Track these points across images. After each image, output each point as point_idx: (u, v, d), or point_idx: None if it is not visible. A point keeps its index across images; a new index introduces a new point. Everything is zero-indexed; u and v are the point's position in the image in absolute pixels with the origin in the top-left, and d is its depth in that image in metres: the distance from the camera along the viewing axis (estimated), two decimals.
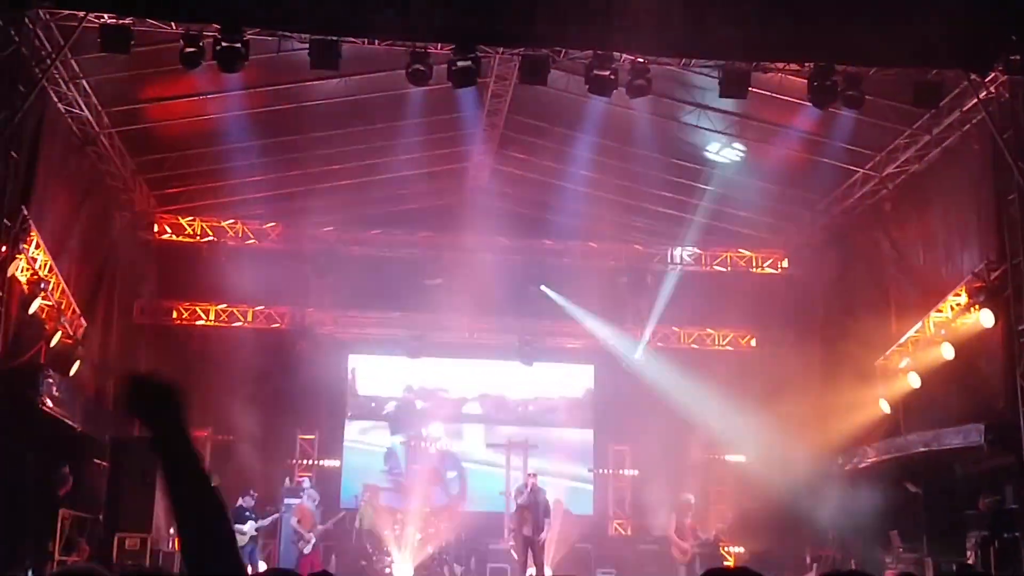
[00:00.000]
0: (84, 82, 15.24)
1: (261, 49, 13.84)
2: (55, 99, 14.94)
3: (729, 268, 21.11)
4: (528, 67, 14.18)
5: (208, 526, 2.45)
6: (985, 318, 14.65)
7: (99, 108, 15.97)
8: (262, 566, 18.16)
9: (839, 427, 17.77)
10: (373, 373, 22.04)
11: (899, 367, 16.98)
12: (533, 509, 16.58)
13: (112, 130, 16.67)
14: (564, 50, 14.03)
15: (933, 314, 16.04)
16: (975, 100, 14.35)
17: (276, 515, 18.23)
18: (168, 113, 16.87)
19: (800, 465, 17.95)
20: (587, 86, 14.17)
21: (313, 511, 17.84)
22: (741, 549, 19.26)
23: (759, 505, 19.34)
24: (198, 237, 20.07)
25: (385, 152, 18.35)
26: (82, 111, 15.60)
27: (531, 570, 16.56)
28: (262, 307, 20.60)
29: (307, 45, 13.49)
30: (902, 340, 16.86)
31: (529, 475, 17.37)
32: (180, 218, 20.02)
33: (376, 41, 13.86)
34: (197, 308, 20.43)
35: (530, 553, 16.57)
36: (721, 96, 14.47)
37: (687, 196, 19.54)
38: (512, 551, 18.89)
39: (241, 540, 17.16)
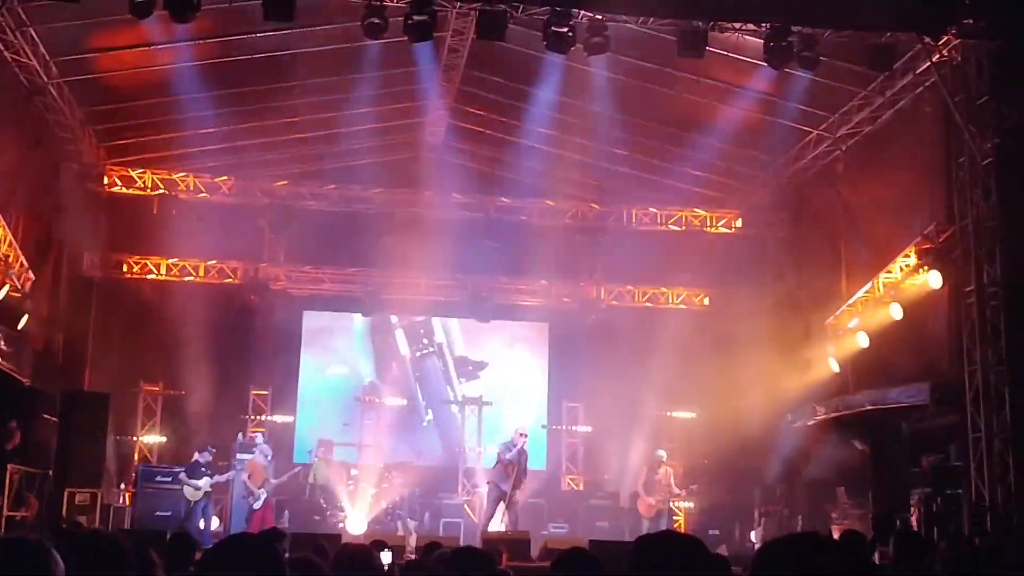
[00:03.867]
0: (32, 30, 14.93)
1: None
2: (2, 47, 14.63)
3: (684, 227, 21.19)
4: (485, 22, 14.06)
5: None
6: (933, 279, 14.87)
7: (47, 57, 15.66)
8: (215, 521, 18.16)
9: (789, 385, 18.01)
10: (330, 327, 22.02)
11: (848, 326, 17.20)
12: (517, 468, 16.76)
13: (61, 80, 16.36)
14: (522, 5, 13.92)
15: (882, 275, 16.24)
16: (928, 63, 14.47)
17: (231, 472, 18.20)
18: (118, 63, 16.57)
19: (750, 422, 18.19)
20: (544, 43, 14.09)
21: (265, 466, 17.80)
22: (691, 504, 19.52)
23: (709, 461, 19.59)
24: (149, 190, 19.81)
25: (340, 106, 18.18)
26: (30, 60, 15.30)
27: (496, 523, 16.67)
28: (214, 261, 20.43)
29: None
30: (852, 300, 17.07)
31: (521, 434, 17.31)
32: (130, 170, 19.74)
33: None
34: (148, 262, 20.21)
35: (501, 508, 16.67)
36: (679, 55, 14.43)
37: (643, 155, 19.56)
38: (467, 505, 19.08)
39: (195, 495, 17.13)
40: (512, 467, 16.67)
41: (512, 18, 14.09)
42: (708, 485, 18.98)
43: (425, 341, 22.07)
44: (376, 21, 13.65)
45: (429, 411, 21.79)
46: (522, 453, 16.77)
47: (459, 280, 21.07)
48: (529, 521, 17.63)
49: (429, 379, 21.98)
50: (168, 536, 7.80)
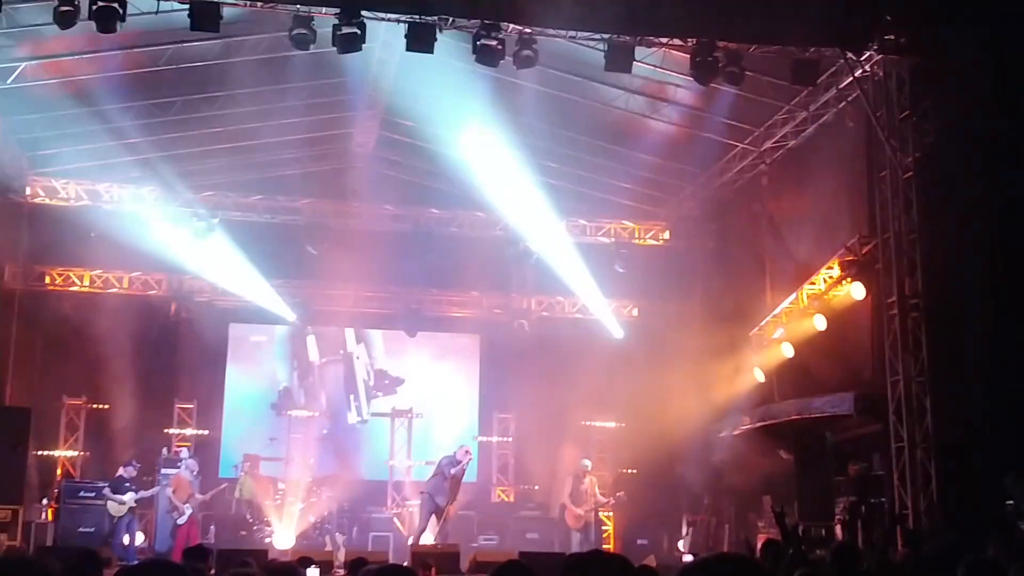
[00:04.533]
0: None
1: (139, 9, 13.40)
2: None
3: (613, 239, 21.34)
4: (414, 35, 14.04)
5: None
6: (856, 291, 15.13)
7: None
8: (140, 537, 17.86)
9: (715, 395, 18.17)
10: (257, 340, 21.77)
11: (773, 337, 17.43)
12: (454, 483, 16.84)
13: None
14: (451, 18, 13.92)
15: (806, 286, 16.48)
16: (851, 78, 14.76)
17: (156, 487, 17.93)
18: (42, 72, 16.25)
19: (677, 432, 18.33)
20: (474, 56, 14.10)
21: (191, 481, 17.56)
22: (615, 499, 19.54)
23: (637, 470, 19.71)
24: (72, 200, 19.47)
25: (268, 116, 18.01)
26: None
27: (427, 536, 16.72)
28: (139, 273, 20.14)
29: (187, 6, 13.13)
30: (776, 311, 17.31)
31: (466, 451, 17.41)
32: (54, 180, 19.38)
33: (259, 3, 13.56)
34: (71, 273, 19.87)
35: (434, 521, 16.74)
36: (607, 70, 14.53)
37: (572, 167, 19.67)
38: (396, 519, 18.98)
39: (119, 511, 16.85)
40: (451, 482, 16.81)
41: (441, 31, 14.10)
42: (636, 495, 19.07)
43: (341, 352, 21.90)
44: (304, 32, 13.57)
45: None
46: (463, 469, 16.96)
47: (389, 292, 20.99)
48: (459, 533, 17.63)
49: (329, 388, 21.82)
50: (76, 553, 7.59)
